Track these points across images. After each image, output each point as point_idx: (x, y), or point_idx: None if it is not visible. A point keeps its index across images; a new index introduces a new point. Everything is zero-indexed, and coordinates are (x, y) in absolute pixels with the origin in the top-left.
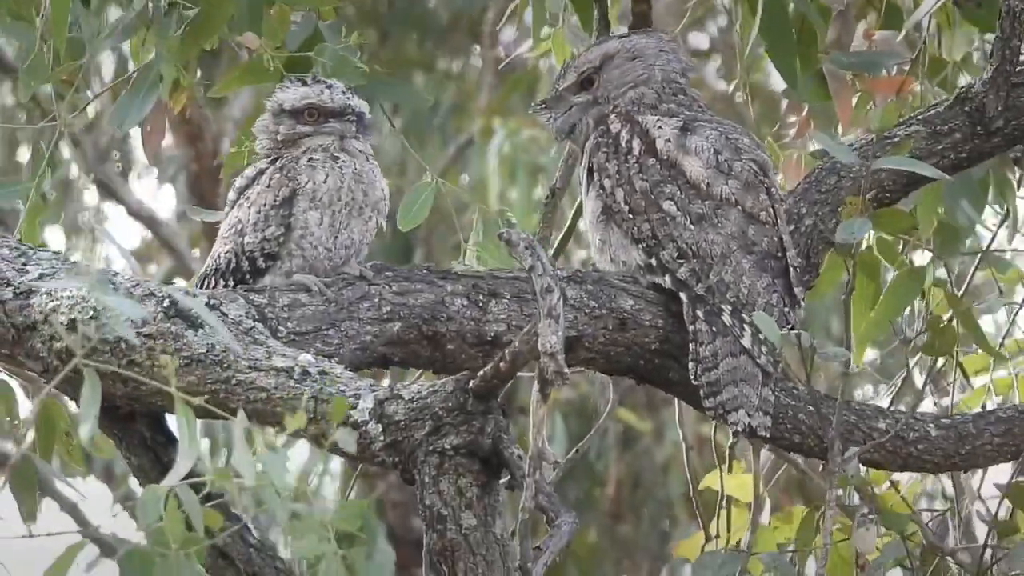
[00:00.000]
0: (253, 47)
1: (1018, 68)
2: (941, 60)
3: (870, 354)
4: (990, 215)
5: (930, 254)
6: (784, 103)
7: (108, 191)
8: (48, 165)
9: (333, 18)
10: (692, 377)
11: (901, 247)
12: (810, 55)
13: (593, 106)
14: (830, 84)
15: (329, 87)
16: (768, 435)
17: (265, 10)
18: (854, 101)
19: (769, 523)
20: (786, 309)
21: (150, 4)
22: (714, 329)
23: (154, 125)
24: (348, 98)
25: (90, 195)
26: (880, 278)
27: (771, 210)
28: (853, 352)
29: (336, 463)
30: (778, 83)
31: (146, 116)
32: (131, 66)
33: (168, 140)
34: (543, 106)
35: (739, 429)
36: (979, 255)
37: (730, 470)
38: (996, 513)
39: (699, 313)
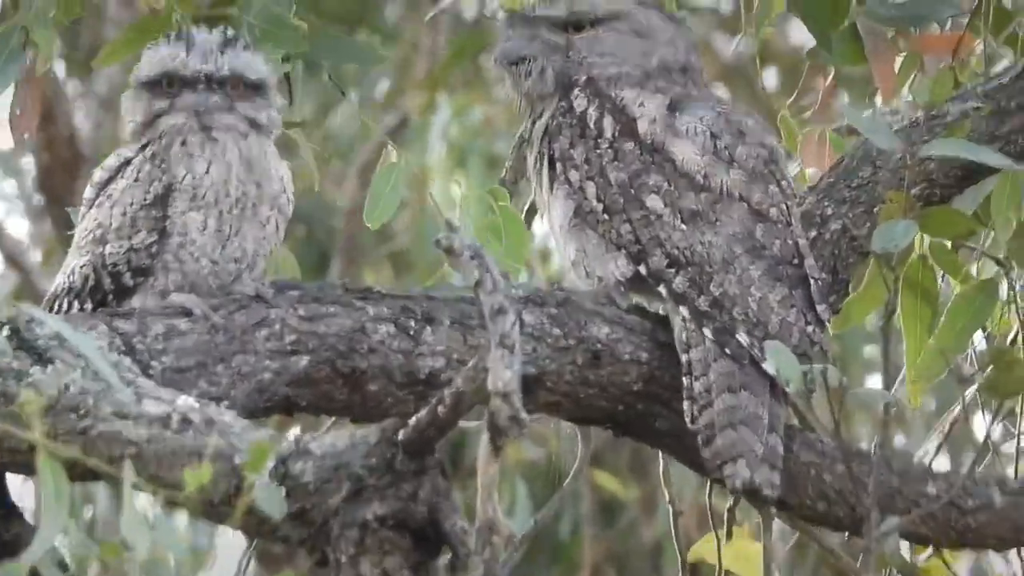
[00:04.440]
0: (158, 6)
1: None
2: (1007, 11)
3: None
4: None
5: (999, 266)
6: (806, 66)
7: None
8: None
9: None
10: (688, 420)
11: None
12: (838, 7)
13: (562, 55)
14: (866, 43)
15: (189, 47)
16: (775, 496)
17: None
18: (897, 65)
19: None
20: (809, 328)
21: None
22: (711, 359)
23: (25, 103)
24: (205, 60)
25: None
26: (938, 296)
27: (783, 207)
28: (908, 391)
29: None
30: (797, 39)
31: (14, 92)
32: None
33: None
34: (507, 16)
35: (737, 486)
36: None
37: (729, 537)
38: None
39: (707, 332)
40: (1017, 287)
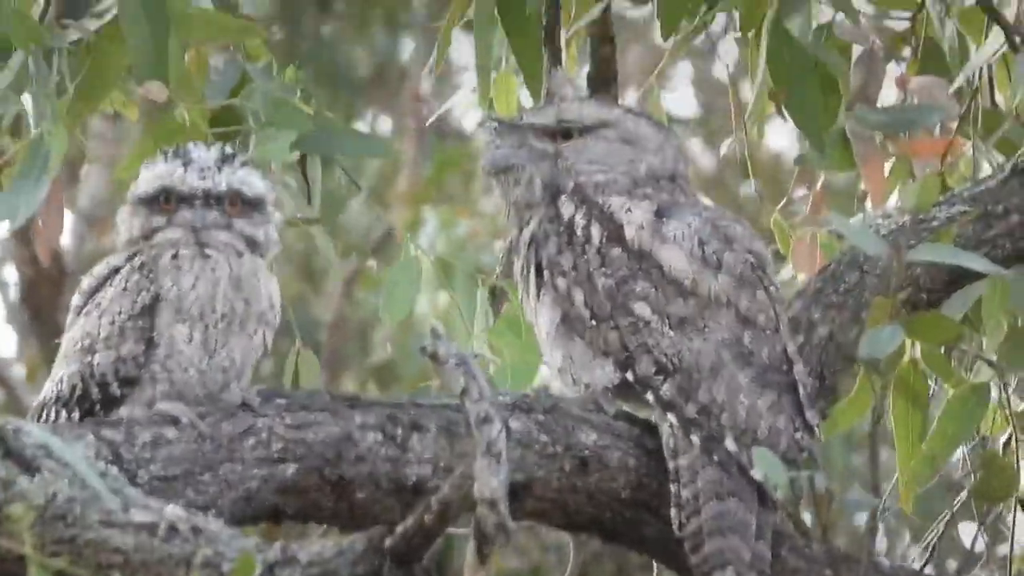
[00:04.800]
0: (160, 99)
1: None
2: (997, 114)
3: None
4: None
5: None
6: (795, 171)
7: None
8: None
9: (264, 58)
10: (676, 527)
11: (955, 359)
12: (829, 109)
13: (549, 162)
14: (855, 147)
15: (186, 163)
16: None
17: (177, 56)
18: (886, 169)
19: None
20: (797, 435)
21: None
22: (699, 466)
23: (48, 216)
24: (203, 177)
25: None
26: (928, 402)
27: (771, 313)
28: (901, 496)
29: None
30: (775, 147)
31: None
32: None
33: None
34: (495, 124)
35: None
36: None
37: None
38: None
39: (694, 439)
40: (1010, 390)
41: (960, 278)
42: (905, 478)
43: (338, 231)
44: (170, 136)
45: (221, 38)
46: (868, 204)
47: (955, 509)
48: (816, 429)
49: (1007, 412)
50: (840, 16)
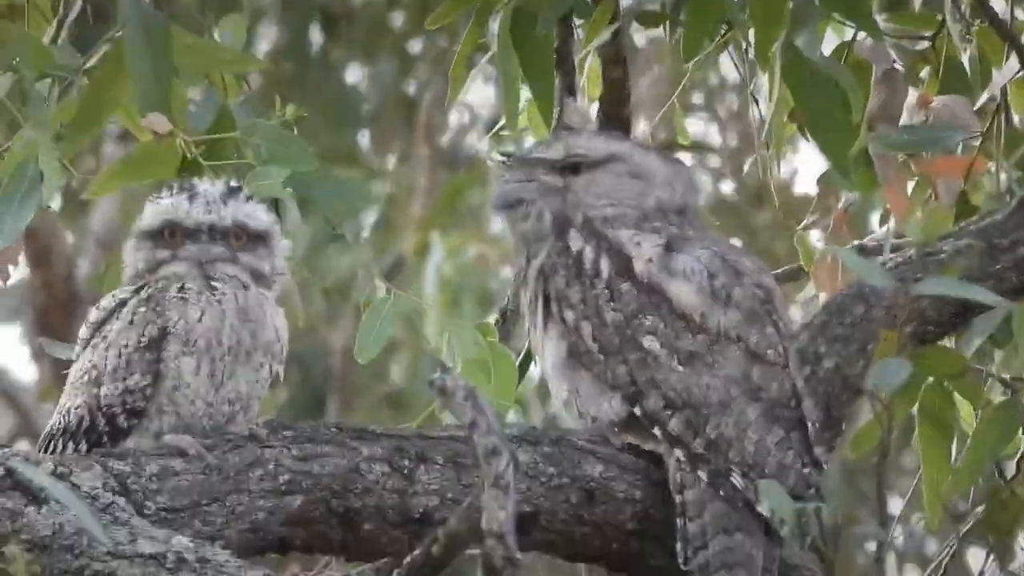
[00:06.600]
0: (162, 131)
1: None
2: (1019, 134)
3: None
4: None
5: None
6: (818, 190)
7: None
8: None
9: (235, 95)
10: (681, 561)
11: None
12: (849, 129)
13: (558, 196)
14: (877, 167)
15: (191, 197)
16: None
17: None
18: (910, 188)
19: None
20: (806, 470)
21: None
22: (706, 500)
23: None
24: (208, 211)
25: None
26: (954, 426)
27: (780, 348)
28: (928, 513)
29: None
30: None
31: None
32: None
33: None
34: (506, 159)
35: None
36: None
37: None
38: None
39: (701, 475)
40: None
41: (967, 311)
42: (932, 498)
43: (319, 272)
44: (153, 165)
45: (219, 68)
46: (892, 222)
47: (960, 535)
48: (824, 465)
49: None
50: (860, 35)
